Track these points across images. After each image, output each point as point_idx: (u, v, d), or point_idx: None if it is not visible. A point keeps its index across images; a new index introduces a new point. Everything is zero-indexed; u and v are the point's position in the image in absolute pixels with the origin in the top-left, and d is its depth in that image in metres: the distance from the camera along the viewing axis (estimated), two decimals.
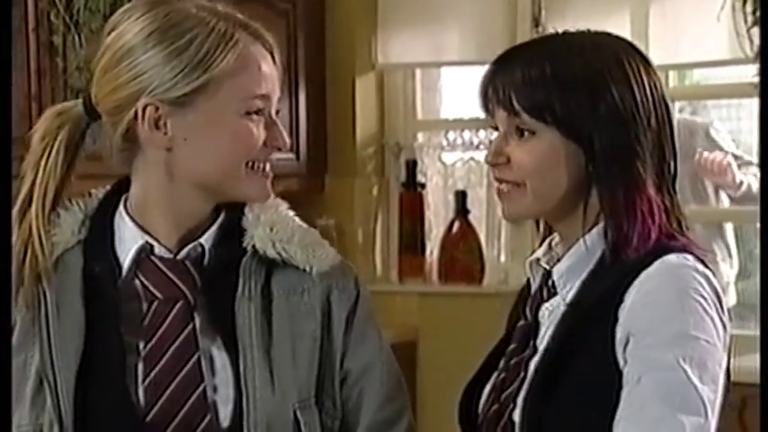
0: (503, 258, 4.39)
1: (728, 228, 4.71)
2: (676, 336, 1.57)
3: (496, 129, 1.71)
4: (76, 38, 3.60)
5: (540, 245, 1.78)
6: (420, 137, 4.61)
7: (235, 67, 1.60)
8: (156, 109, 1.60)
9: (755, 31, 3.67)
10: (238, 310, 1.63)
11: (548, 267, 1.73)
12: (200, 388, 1.60)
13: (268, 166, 1.66)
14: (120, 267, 1.65)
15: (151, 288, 1.64)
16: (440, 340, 4.28)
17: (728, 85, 4.25)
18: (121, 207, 1.68)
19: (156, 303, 1.63)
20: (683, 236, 1.68)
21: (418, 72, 4.59)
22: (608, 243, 1.65)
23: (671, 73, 4.20)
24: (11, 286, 1.61)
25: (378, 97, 4.55)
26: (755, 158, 4.45)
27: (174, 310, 1.63)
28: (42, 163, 1.66)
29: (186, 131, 1.61)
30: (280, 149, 1.67)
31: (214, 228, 1.67)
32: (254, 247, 1.66)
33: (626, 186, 1.64)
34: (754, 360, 2.63)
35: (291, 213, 1.72)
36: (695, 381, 1.55)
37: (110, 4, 3.57)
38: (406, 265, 4.49)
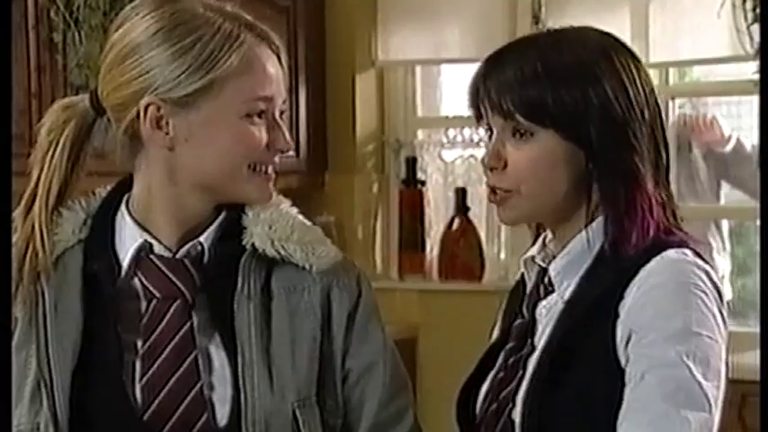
0: (503, 255, 4.40)
1: (724, 222, 4.72)
2: (679, 332, 1.56)
3: (489, 130, 1.69)
4: (76, 35, 3.59)
5: (534, 242, 1.78)
6: (420, 134, 4.61)
7: (239, 68, 1.59)
8: (159, 108, 1.60)
9: (755, 27, 3.68)
10: (237, 309, 1.63)
11: (543, 265, 1.72)
12: (198, 386, 1.60)
13: (270, 168, 1.66)
14: (119, 266, 1.65)
15: (150, 287, 1.63)
16: (440, 337, 4.28)
17: (729, 82, 4.25)
18: (123, 206, 1.68)
19: (154, 302, 1.63)
20: (680, 230, 1.68)
21: (418, 69, 4.59)
22: (608, 239, 1.64)
23: (671, 70, 4.20)
24: (11, 286, 1.61)
25: (378, 94, 4.55)
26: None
27: (173, 309, 1.62)
28: (48, 158, 1.66)
29: (188, 132, 1.61)
30: (283, 152, 1.66)
31: (214, 226, 1.67)
32: (253, 245, 1.66)
33: (626, 182, 1.64)
34: (755, 357, 2.63)
35: (294, 211, 1.70)
36: (699, 377, 1.55)
37: (109, 2, 3.57)
38: (406, 262, 4.50)
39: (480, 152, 4.46)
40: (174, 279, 1.63)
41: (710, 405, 1.55)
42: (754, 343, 2.89)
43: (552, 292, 1.70)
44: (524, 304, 1.73)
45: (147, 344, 1.62)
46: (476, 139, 4.46)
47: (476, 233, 4.40)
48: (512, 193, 1.66)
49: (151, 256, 1.65)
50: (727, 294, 4.68)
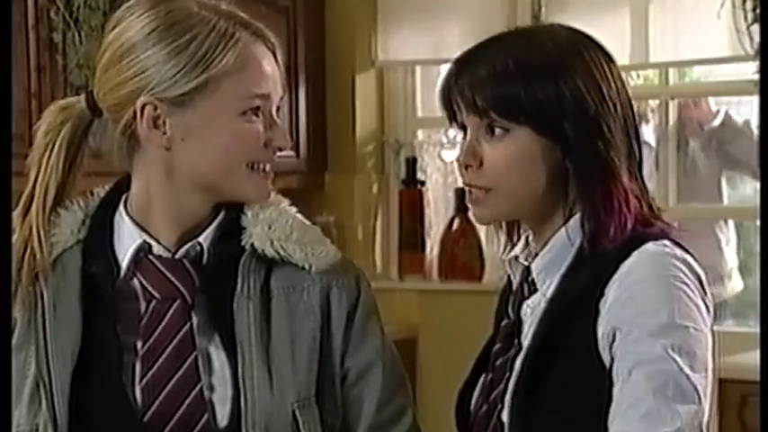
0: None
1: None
2: (663, 326, 1.56)
3: (463, 129, 1.69)
4: (76, 35, 3.59)
5: (508, 241, 1.78)
6: (420, 134, 4.62)
7: (234, 66, 1.59)
8: (155, 108, 1.59)
9: (755, 28, 3.68)
10: (237, 309, 1.63)
11: (526, 263, 1.72)
12: (198, 387, 1.60)
13: (268, 167, 1.66)
14: (118, 267, 1.65)
15: (149, 287, 1.63)
16: (440, 337, 4.28)
17: (728, 82, 4.25)
18: (121, 206, 1.68)
19: (153, 303, 1.63)
20: (658, 220, 1.68)
21: (418, 69, 4.60)
22: (585, 234, 1.64)
23: (671, 70, 4.21)
24: (11, 286, 1.61)
25: (378, 94, 4.56)
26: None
27: (172, 310, 1.62)
28: (45, 159, 1.66)
29: (185, 131, 1.61)
30: (281, 149, 1.66)
31: (213, 226, 1.66)
32: (252, 245, 1.65)
33: (602, 176, 1.64)
34: (755, 357, 2.63)
35: (293, 210, 1.70)
36: (686, 369, 1.55)
37: (109, 2, 3.57)
38: (406, 262, 4.50)
39: None
40: (173, 279, 1.63)
41: (699, 396, 1.55)
42: (754, 343, 2.90)
43: (536, 291, 1.69)
44: (510, 304, 1.73)
45: (147, 345, 1.61)
46: None
47: (476, 233, 4.40)
48: (489, 191, 1.66)
49: (150, 257, 1.64)
50: (738, 286, 4.68)
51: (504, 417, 1.64)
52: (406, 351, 4.11)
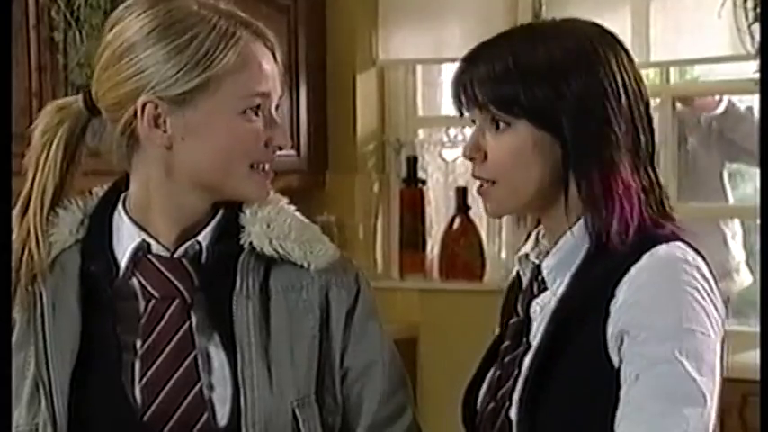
0: (503, 255, 4.40)
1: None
2: (671, 329, 1.56)
3: (473, 122, 1.71)
4: (77, 34, 3.59)
5: (527, 239, 1.78)
6: (421, 133, 4.62)
7: (235, 65, 1.60)
8: (156, 107, 1.59)
9: (756, 27, 3.67)
10: (236, 308, 1.63)
11: (536, 261, 1.72)
12: (197, 386, 1.60)
13: (268, 166, 1.66)
14: (117, 267, 1.65)
15: (148, 287, 1.63)
16: (441, 337, 4.28)
17: (729, 81, 4.25)
18: (120, 205, 1.68)
19: (153, 302, 1.63)
20: (669, 219, 1.68)
21: (419, 68, 4.60)
22: (590, 232, 1.64)
23: (671, 69, 4.21)
24: (11, 286, 1.61)
25: (378, 94, 4.56)
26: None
27: (171, 309, 1.62)
28: (42, 160, 1.66)
29: (185, 130, 1.61)
30: (281, 148, 1.67)
31: (211, 225, 1.66)
32: (251, 244, 1.66)
33: (600, 171, 1.64)
34: (755, 357, 2.64)
35: (291, 209, 1.70)
36: (693, 373, 1.55)
37: (110, 1, 3.57)
38: (406, 261, 4.50)
39: None
40: (172, 279, 1.63)
41: (706, 399, 1.55)
42: (754, 343, 2.90)
43: (546, 289, 1.70)
44: (519, 302, 1.74)
45: (146, 344, 1.61)
46: None
47: (476, 232, 4.40)
48: (494, 183, 1.68)
49: (149, 256, 1.64)
50: (747, 280, 4.67)
51: (512, 414, 1.64)
52: (407, 350, 4.11)
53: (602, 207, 1.64)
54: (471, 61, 1.68)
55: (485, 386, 1.74)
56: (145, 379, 1.60)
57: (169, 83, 1.58)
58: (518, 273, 1.78)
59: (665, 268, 1.61)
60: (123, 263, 1.64)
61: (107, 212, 1.68)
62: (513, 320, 1.74)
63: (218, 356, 1.62)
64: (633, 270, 1.60)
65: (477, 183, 1.71)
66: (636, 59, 1.72)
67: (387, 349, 1.72)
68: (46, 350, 1.60)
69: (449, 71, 4.62)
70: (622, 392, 1.57)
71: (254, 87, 1.61)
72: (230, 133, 1.61)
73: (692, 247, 1.64)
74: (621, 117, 1.65)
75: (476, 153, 1.68)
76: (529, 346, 1.68)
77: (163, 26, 1.59)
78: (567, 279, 1.66)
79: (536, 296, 1.71)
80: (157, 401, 1.59)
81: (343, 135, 4.48)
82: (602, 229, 1.63)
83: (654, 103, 4.35)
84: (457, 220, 4.42)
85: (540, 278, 1.71)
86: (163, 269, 1.64)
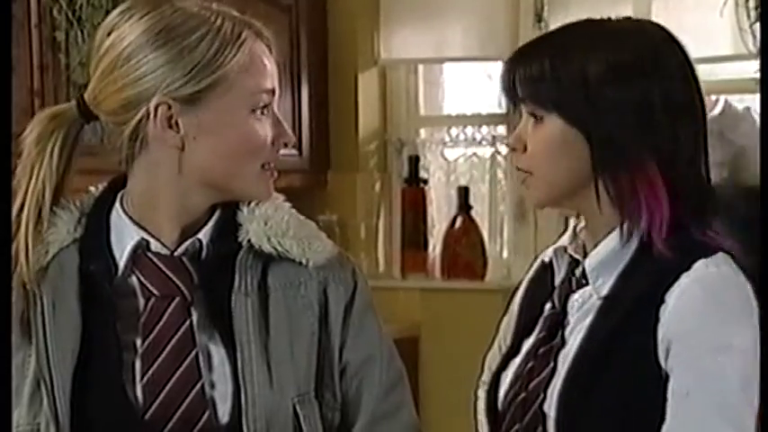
0: (505, 254, 4.40)
1: None
2: (722, 347, 1.58)
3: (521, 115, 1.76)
4: (79, 34, 3.59)
5: (565, 231, 1.80)
6: (422, 132, 4.61)
7: (244, 64, 1.61)
8: (169, 107, 1.60)
9: (758, 26, 3.67)
10: (235, 306, 1.63)
11: (576, 256, 1.74)
12: (199, 385, 1.60)
13: (273, 164, 1.67)
14: (116, 265, 1.64)
15: (148, 285, 1.63)
16: (442, 336, 4.28)
17: (731, 80, 4.24)
18: (117, 204, 1.68)
19: (152, 300, 1.63)
20: (709, 226, 1.68)
21: (421, 68, 4.59)
22: (624, 232, 1.66)
23: None
24: (11, 286, 1.61)
25: (380, 93, 4.55)
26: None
27: (171, 307, 1.62)
28: (36, 169, 1.64)
29: (198, 129, 1.61)
30: (286, 146, 1.68)
31: (211, 223, 1.67)
32: (249, 241, 1.66)
33: (627, 171, 1.65)
34: None
35: (287, 206, 1.71)
36: (741, 392, 1.57)
37: (112, 0, 3.57)
38: (408, 260, 4.50)
39: (483, 151, 4.47)
40: (172, 277, 1.63)
41: (749, 420, 1.57)
42: None
43: (585, 285, 1.71)
44: (555, 295, 1.75)
45: (147, 343, 1.61)
46: (478, 137, 4.46)
47: (478, 232, 4.40)
48: (531, 174, 1.72)
49: (148, 254, 1.64)
50: None
51: (548, 409, 1.66)
52: (409, 349, 4.11)
53: (631, 208, 1.65)
54: (513, 58, 1.73)
55: (511, 375, 1.75)
56: (146, 378, 1.60)
57: (181, 83, 1.59)
58: (549, 263, 1.79)
59: (719, 285, 1.62)
60: (122, 261, 1.64)
61: (104, 211, 1.68)
62: (548, 312, 1.75)
63: (218, 354, 1.62)
64: (685, 279, 1.61)
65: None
66: None
67: (385, 344, 1.73)
68: (47, 350, 1.60)
69: (450, 70, 4.62)
70: (671, 404, 1.58)
71: (262, 84, 1.63)
72: (242, 131, 1.62)
73: (734, 257, 1.66)
74: (653, 114, 1.66)
75: (517, 144, 1.73)
76: (564, 341, 1.69)
77: (168, 27, 1.60)
78: (612, 279, 1.67)
79: (574, 291, 1.72)
80: (159, 400, 1.59)
81: (344, 134, 4.48)
82: (636, 229, 1.65)
83: None
84: (458, 220, 4.42)
85: (579, 273, 1.72)
86: (162, 267, 1.64)
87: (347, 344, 1.70)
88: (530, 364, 1.72)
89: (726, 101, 4.54)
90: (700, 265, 1.62)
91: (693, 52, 4.26)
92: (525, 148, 1.71)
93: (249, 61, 1.61)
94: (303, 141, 4.33)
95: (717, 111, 4.58)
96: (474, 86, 4.54)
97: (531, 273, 1.85)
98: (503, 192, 4.39)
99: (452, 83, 4.63)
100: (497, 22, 4.18)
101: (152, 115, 1.60)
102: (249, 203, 1.68)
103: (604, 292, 1.68)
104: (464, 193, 4.40)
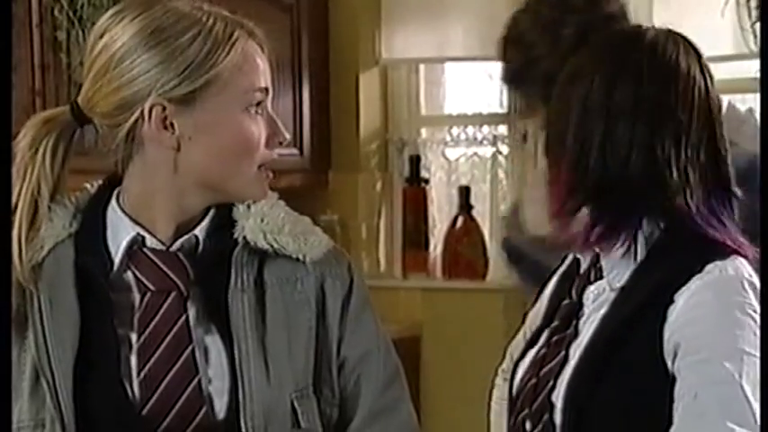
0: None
1: None
2: (732, 351, 1.58)
3: None
4: (80, 33, 3.59)
5: None
6: (424, 132, 4.61)
7: (236, 63, 1.61)
8: (164, 108, 1.60)
9: (759, 25, 3.67)
10: (232, 302, 1.63)
11: (597, 250, 1.75)
12: (196, 380, 1.60)
13: (268, 165, 1.67)
14: (111, 261, 1.64)
15: (143, 279, 1.63)
16: (443, 335, 4.28)
17: (732, 80, 4.24)
18: (114, 200, 1.68)
19: (148, 295, 1.63)
20: (717, 221, 1.68)
21: (422, 67, 4.59)
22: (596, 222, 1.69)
23: None
24: (11, 285, 1.61)
25: (381, 92, 4.56)
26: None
27: (167, 302, 1.63)
28: (29, 173, 1.64)
29: (193, 129, 1.61)
30: (281, 144, 1.68)
31: (207, 220, 1.67)
32: (245, 238, 1.66)
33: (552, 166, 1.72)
34: None
35: (282, 204, 1.72)
36: (750, 397, 1.56)
37: (113, 0, 3.57)
38: (409, 260, 4.50)
39: (484, 150, 4.48)
40: (167, 272, 1.63)
41: (757, 423, 1.57)
42: None
43: (602, 277, 1.73)
44: (574, 286, 1.77)
45: (143, 338, 1.61)
46: (479, 137, 4.47)
47: (479, 231, 4.40)
48: None
49: (144, 249, 1.64)
50: None
51: (555, 399, 1.67)
52: (410, 349, 4.11)
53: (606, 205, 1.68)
54: None
55: (526, 361, 1.78)
56: (143, 373, 1.60)
57: (174, 83, 1.59)
58: (575, 258, 1.82)
59: (730, 290, 1.62)
60: (118, 257, 1.64)
61: (100, 207, 1.68)
62: (565, 302, 1.78)
63: (215, 349, 1.62)
64: (697, 281, 1.62)
65: None
66: None
67: (382, 339, 1.74)
68: (46, 345, 1.60)
69: (452, 70, 4.62)
70: (678, 407, 1.58)
71: (255, 83, 1.63)
72: (236, 130, 1.62)
73: (749, 260, 1.66)
74: (643, 114, 1.68)
75: None
76: (577, 331, 1.71)
77: (160, 28, 1.60)
78: (627, 272, 1.69)
79: (591, 283, 1.74)
80: (156, 395, 1.59)
81: (346, 134, 4.48)
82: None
83: None
84: (460, 219, 4.42)
85: (598, 266, 1.74)
86: (158, 262, 1.64)
87: (345, 339, 1.70)
88: (543, 351, 1.75)
89: (729, 102, 4.54)
90: (712, 267, 1.62)
91: None
92: None
93: (242, 60, 1.62)
94: (304, 141, 4.33)
95: (724, 110, 4.57)
96: (475, 86, 4.54)
97: (564, 266, 1.88)
98: (504, 191, 4.39)
99: (454, 82, 4.63)
100: (498, 22, 4.17)
101: (147, 116, 1.60)
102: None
103: (619, 284, 1.69)
104: (465, 192, 4.41)
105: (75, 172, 1.70)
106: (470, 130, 4.48)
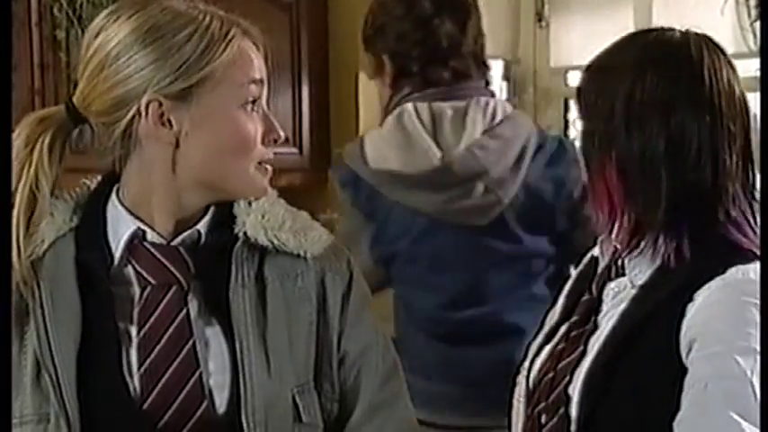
0: None
1: None
2: (744, 348, 1.59)
3: None
4: (79, 32, 3.59)
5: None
6: None
7: (232, 59, 1.62)
8: (160, 104, 1.60)
9: (759, 24, 3.67)
10: (233, 297, 1.63)
11: (618, 246, 1.75)
12: (197, 374, 1.60)
13: (269, 162, 1.68)
14: (111, 255, 1.65)
15: (144, 273, 1.64)
16: None
17: None
18: (114, 196, 1.68)
19: (149, 289, 1.63)
20: (754, 233, 1.69)
21: None
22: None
23: None
24: (11, 284, 1.60)
25: None
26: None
27: (168, 296, 1.63)
28: (24, 173, 1.64)
29: (190, 125, 1.61)
30: (276, 142, 1.68)
31: (208, 216, 1.67)
32: (245, 233, 1.67)
33: (590, 172, 1.73)
34: None
35: (282, 201, 1.73)
36: (758, 393, 1.57)
37: None
38: None
39: None
40: (168, 266, 1.64)
41: (758, 421, 1.57)
42: None
43: (623, 274, 1.73)
44: (594, 282, 1.78)
45: (143, 332, 1.62)
46: None
47: None
48: None
49: (144, 244, 1.65)
50: None
51: (572, 392, 1.68)
52: None
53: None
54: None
55: (543, 355, 1.79)
56: (143, 367, 1.60)
57: (170, 79, 1.59)
58: (593, 255, 1.84)
59: (749, 292, 1.63)
60: (118, 251, 1.65)
61: (100, 202, 1.68)
62: (585, 298, 1.79)
63: (216, 343, 1.63)
64: (718, 282, 1.63)
65: None
66: None
67: (379, 333, 1.75)
68: (48, 339, 1.59)
69: None
70: (687, 395, 1.59)
71: (250, 76, 1.63)
72: (233, 126, 1.62)
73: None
74: (667, 115, 1.69)
75: None
76: (596, 326, 1.72)
77: (157, 26, 1.60)
78: (649, 270, 1.70)
79: (612, 279, 1.75)
80: (157, 390, 1.59)
81: (345, 133, 4.47)
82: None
83: None
84: None
85: (619, 263, 1.74)
86: (159, 256, 1.64)
87: (345, 333, 1.71)
88: (561, 346, 1.76)
89: None
90: (734, 270, 1.64)
91: None
92: None
93: (238, 55, 1.62)
94: (304, 140, 4.33)
95: None
96: None
97: (582, 266, 1.89)
98: None
99: None
100: (497, 22, 4.18)
101: (143, 113, 1.60)
102: None
103: (640, 281, 1.70)
104: None
105: (72, 171, 1.70)
106: None
